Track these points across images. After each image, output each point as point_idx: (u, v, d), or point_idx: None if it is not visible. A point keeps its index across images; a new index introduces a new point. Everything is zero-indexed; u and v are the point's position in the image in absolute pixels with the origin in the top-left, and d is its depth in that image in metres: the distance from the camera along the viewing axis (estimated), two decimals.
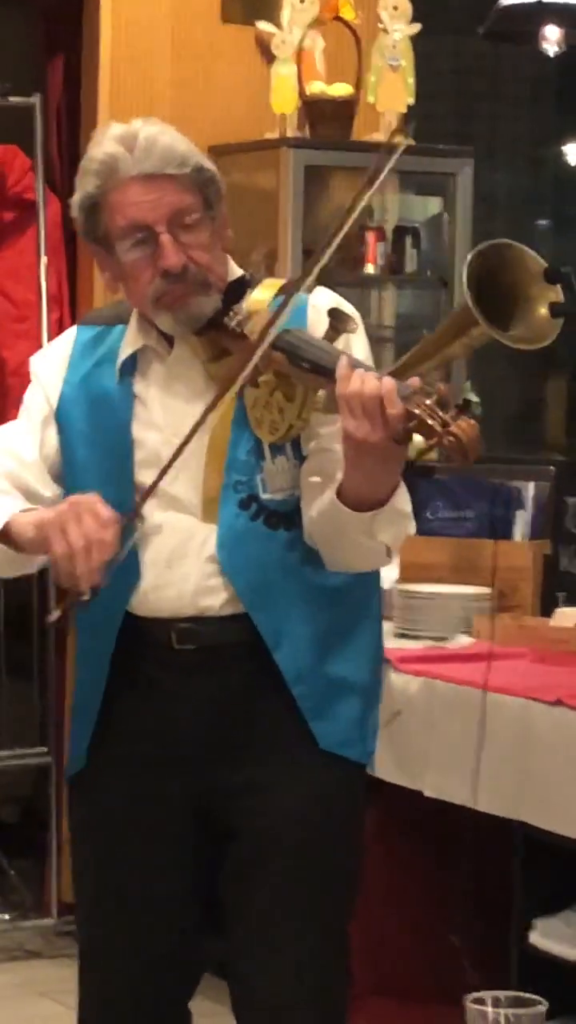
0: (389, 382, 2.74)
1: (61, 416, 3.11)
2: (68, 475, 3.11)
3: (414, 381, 2.76)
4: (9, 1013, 5.22)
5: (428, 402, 2.74)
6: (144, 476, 3.01)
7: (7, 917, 5.83)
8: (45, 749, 5.90)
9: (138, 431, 3.05)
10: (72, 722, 3.22)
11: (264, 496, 3.02)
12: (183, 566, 3.02)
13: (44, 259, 5.91)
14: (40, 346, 5.84)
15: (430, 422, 2.72)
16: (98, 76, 6.11)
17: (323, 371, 2.84)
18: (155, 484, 2.91)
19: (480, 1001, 1.69)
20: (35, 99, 5.97)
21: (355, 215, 2.91)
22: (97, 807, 3.15)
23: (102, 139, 3.02)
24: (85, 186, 3.02)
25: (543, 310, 2.79)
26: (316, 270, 2.90)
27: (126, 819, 3.11)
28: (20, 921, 5.82)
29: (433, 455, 2.82)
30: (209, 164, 3.05)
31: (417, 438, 2.76)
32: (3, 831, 5.97)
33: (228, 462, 3.00)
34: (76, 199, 3.05)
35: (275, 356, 2.88)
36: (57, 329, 5.84)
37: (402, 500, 2.95)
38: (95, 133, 3.10)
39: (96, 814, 3.16)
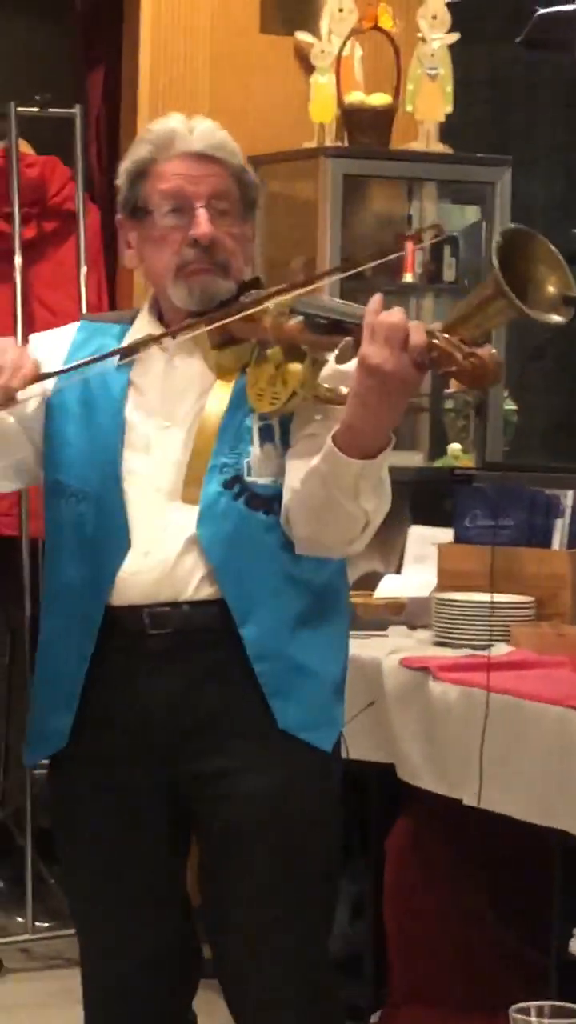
0: (415, 322, 2.80)
1: (55, 394, 3.15)
2: (53, 451, 3.15)
3: (436, 324, 2.82)
4: (50, 1018, 5.21)
5: (446, 336, 2.80)
6: (130, 459, 3.07)
7: (47, 925, 5.82)
8: None
9: (131, 414, 3.10)
10: (36, 706, 3.24)
11: (248, 478, 3.04)
12: (162, 551, 3.05)
13: (84, 268, 5.91)
14: None
15: (451, 350, 2.78)
16: (137, 88, 6.12)
17: (342, 326, 2.89)
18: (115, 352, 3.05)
19: (524, 1011, 1.68)
20: (75, 110, 5.97)
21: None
22: (75, 790, 3.18)
23: (165, 119, 3.13)
24: (139, 151, 3.10)
25: (553, 289, 2.82)
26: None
27: (106, 807, 3.12)
28: (60, 929, 5.80)
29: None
30: (252, 170, 3.15)
31: None
32: (42, 839, 5.96)
33: (217, 446, 3.03)
34: (126, 164, 3.12)
35: (290, 324, 2.92)
36: None
37: (386, 471, 2.97)
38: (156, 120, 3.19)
39: (76, 799, 3.18)
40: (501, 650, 4.80)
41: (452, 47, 6.25)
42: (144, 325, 3.15)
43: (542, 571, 4.98)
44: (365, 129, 6.18)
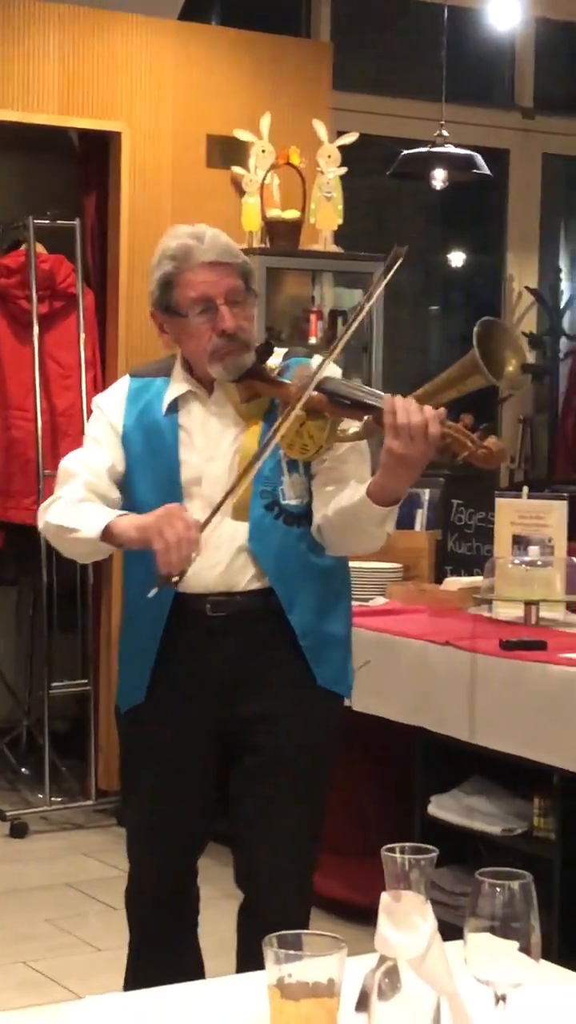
0: (430, 410, 2.68)
1: (125, 442, 3.01)
2: (130, 490, 3.01)
3: (442, 411, 2.70)
4: (62, 865, 5.22)
5: (457, 425, 2.70)
6: (187, 487, 2.94)
7: (60, 800, 5.82)
8: (86, 681, 5.89)
9: (184, 454, 2.97)
10: (125, 669, 3.11)
11: (283, 502, 2.94)
12: (218, 554, 2.93)
13: (83, 335, 5.90)
14: (81, 397, 5.86)
15: (463, 439, 2.68)
16: (120, 207, 6.11)
17: (363, 407, 2.78)
18: (222, 503, 2.80)
19: (392, 850, 1.69)
20: (76, 222, 5.96)
21: (370, 303, 2.97)
22: (150, 731, 3.06)
23: (176, 234, 2.96)
24: (164, 267, 2.93)
25: (512, 368, 2.71)
26: (341, 344, 2.87)
27: (171, 740, 3.03)
28: (69, 803, 5.81)
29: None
30: (248, 261, 2.99)
31: None
32: (57, 739, 5.94)
33: (256, 476, 2.87)
34: (155, 277, 2.95)
35: (316, 396, 2.79)
36: (92, 384, 5.84)
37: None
38: (166, 233, 3.00)
39: (147, 735, 3.06)
40: (379, 601, 4.83)
41: (343, 177, 6.27)
42: (180, 379, 3.00)
43: (408, 545, 5.01)
44: (281, 235, 6.20)
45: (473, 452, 2.66)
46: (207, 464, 2.95)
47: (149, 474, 2.98)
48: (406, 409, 2.67)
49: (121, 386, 3.09)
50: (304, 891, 3.08)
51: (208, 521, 2.78)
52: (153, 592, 2.78)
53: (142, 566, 2.92)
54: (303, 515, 2.95)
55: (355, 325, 2.85)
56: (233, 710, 3.00)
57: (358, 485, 2.84)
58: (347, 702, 3.14)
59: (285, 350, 3.06)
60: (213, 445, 2.95)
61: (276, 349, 3.00)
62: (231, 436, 2.95)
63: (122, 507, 2.97)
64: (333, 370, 2.91)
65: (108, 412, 3.05)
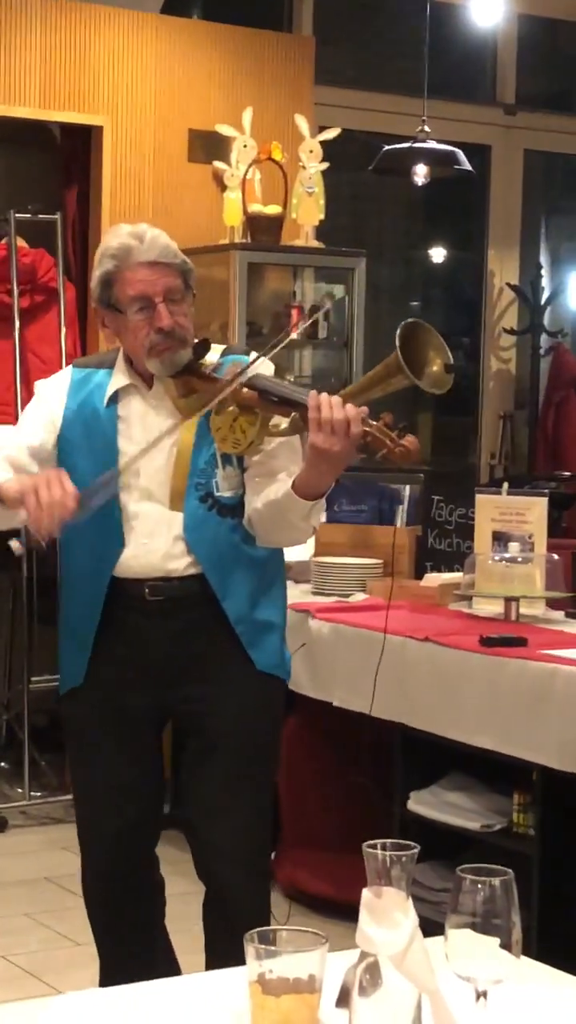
0: (352, 409, 2.76)
1: (64, 430, 3.07)
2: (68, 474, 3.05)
3: (364, 410, 2.78)
4: (41, 860, 5.21)
5: (377, 423, 2.78)
6: (127, 479, 3.01)
7: (39, 794, 5.81)
8: None
9: (122, 443, 3.04)
10: (64, 652, 3.18)
11: (217, 493, 3.02)
12: (155, 541, 3.02)
13: (64, 329, 5.89)
14: None
15: (382, 438, 2.77)
16: (101, 201, 6.12)
17: (290, 403, 2.85)
18: (111, 476, 2.91)
19: (373, 846, 1.69)
20: (57, 216, 5.95)
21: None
22: (88, 714, 3.13)
23: (118, 233, 3.03)
24: (104, 266, 3.01)
25: (437, 368, 2.79)
26: (272, 351, 2.96)
27: (112, 720, 3.10)
28: (48, 797, 5.80)
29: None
30: (189, 260, 3.06)
31: None
32: (37, 733, 5.93)
33: (191, 469, 3.01)
34: (97, 274, 3.03)
35: (246, 393, 2.87)
36: None
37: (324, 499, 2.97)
38: (108, 231, 3.09)
39: (88, 718, 3.13)
40: (359, 597, 4.83)
41: (324, 172, 6.27)
42: (122, 372, 3.07)
43: (388, 542, 5.00)
44: (263, 230, 6.20)
45: (391, 450, 2.77)
46: (144, 455, 3.01)
47: (88, 463, 3.04)
48: (329, 405, 2.76)
49: (64, 376, 3.17)
50: (259, 874, 3.13)
51: (92, 491, 2.85)
52: (17, 547, 2.89)
53: (76, 548, 3.07)
54: (237, 507, 3.03)
55: (289, 337, 2.94)
56: (173, 694, 3.06)
57: (287, 479, 2.92)
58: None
59: (223, 347, 3.14)
60: (151, 436, 3.01)
61: (214, 346, 3.08)
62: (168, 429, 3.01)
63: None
64: (266, 367, 3.00)
65: (48, 398, 3.13)
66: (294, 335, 3.10)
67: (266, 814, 3.17)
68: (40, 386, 3.20)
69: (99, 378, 3.11)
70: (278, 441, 2.94)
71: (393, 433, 2.78)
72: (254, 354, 3.00)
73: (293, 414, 2.84)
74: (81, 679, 3.12)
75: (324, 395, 2.79)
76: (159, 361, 2.99)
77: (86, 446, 3.04)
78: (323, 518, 3.03)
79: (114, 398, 3.07)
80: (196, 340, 3.03)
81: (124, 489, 3.02)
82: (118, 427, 3.05)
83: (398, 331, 2.73)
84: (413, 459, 2.80)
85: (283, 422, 2.88)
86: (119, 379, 3.08)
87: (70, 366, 3.22)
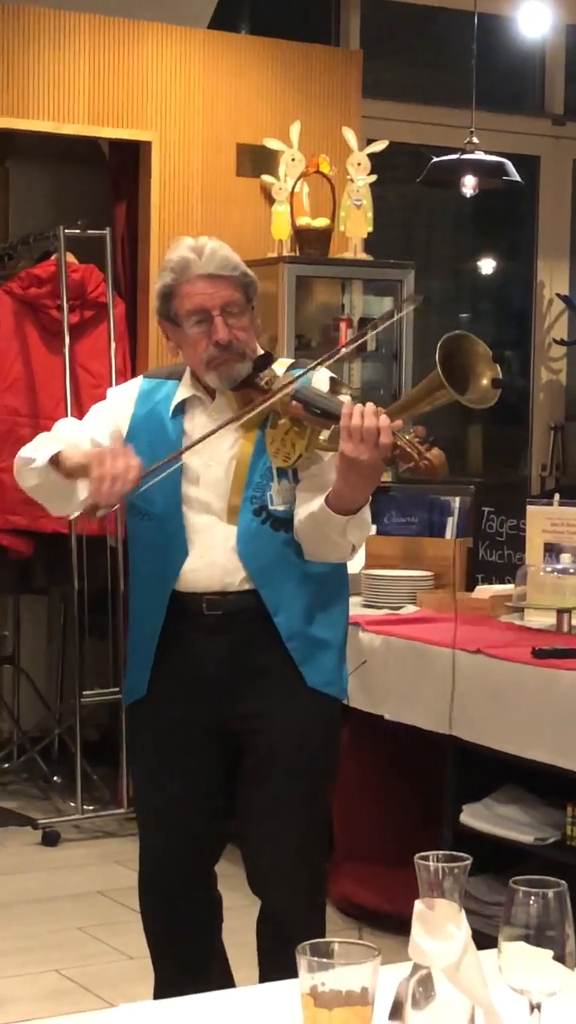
0: (384, 419, 2.78)
1: (130, 438, 3.08)
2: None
3: (398, 423, 2.79)
4: (94, 873, 5.22)
5: (408, 437, 2.80)
6: (187, 488, 3.03)
7: (92, 808, 5.82)
8: (117, 689, 5.88)
9: (185, 455, 3.04)
10: (129, 663, 3.20)
11: (271, 507, 3.02)
12: (212, 554, 3.02)
13: (113, 344, 5.92)
14: None
15: (410, 451, 2.78)
16: (150, 216, 6.15)
17: (330, 415, 2.86)
18: (183, 451, 2.96)
19: (425, 858, 1.69)
20: (106, 231, 5.97)
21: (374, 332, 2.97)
22: (151, 725, 3.14)
23: (179, 246, 3.05)
24: (164, 279, 3.04)
25: (486, 382, 2.80)
26: (330, 360, 2.99)
27: (172, 734, 3.11)
28: (101, 811, 5.81)
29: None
30: (250, 272, 3.07)
31: None
32: (89, 747, 5.96)
33: (247, 482, 3.01)
34: (157, 288, 3.06)
35: (293, 405, 2.89)
36: None
37: (367, 514, 2.97)
38: (172, 244, 3.10)
39: (151, 729, 3.14)
40: (410, 610, 4.82)
41: (372, 185, 6.28)
42: (187, 384, 3.09)
43: (438, 554, 5.00)
44: (311, 243, 6.21)
45: (416, 463, 2.79)
46: (205, 468, 3.04)
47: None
48: (361, 413, 2.77)
49: (133, 385, 3.20)
50: (313, 892, 3.12)
51: (153, 471, 2.90)
52: (75, 514, 2.97)
53: (141, 561, 3.10)
54: (290, 520, 3.02)
55: (354, 345, 2.94)
56: (229, 708, 3.06)
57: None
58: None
59: (290, 361, 3.12)
60: (211, 449, 3.02)
61: (280, 360, 3.07)
62: (230, 442, 3.03)
63: (126, 501, 3.05)
64: (321, 381, 3.00)
65: (116, 404, 3.17)
66: (380, 329, 3.09)
67: (320, 835, 3.15)
68: (111, 392, 3.25)
69: (167, 389, 3.12)
70: (330, 456, 2.93)
71: (422, 447, 2.80)
72: (325, 371, 3.01)
73: (334, 426, 2.84)
74: (144, 691, 3.12)
75: (359, 405, 2.80)
76: (217, 375, 3.01)
77: (151, 455, 3.04)
78: (365, 534, 3.01)
79: (180, 409, 3.08)
80: (260, 353, 3.03)
81: (185, 502, 3.03)
82: (182, 439, 3.06)
83: (439, 346, 2.74)
84: (438, 473, 2.83)
85: (327, 434, 2.89)
86: (184, 391, 3.09)
87: (140, 376, 3.25)
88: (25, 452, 3.04)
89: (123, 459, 2.84)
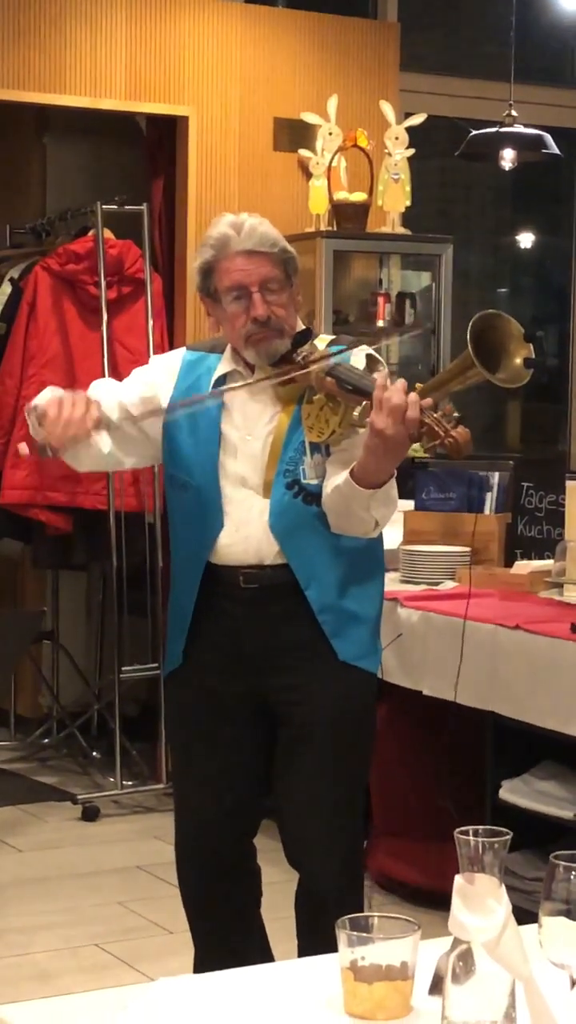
0: (413, 396, 2.80)
1: (169, 410, 3.10)
2: (175, 451, 3.11)
3: (427, 401, 2.80)
4: (133, 848, 5.25)
5: (436, 415, 2.81)
6: (224, 459, 3.05)
7: (131, 783, 5.85)
8: (156, 665, 5.90)
9: (224, 427, 3.06)
10: (168, 636, 3.22)
11: (304, 481, 3.02)
12: (248, 528, 3.04)
13: (151, 320, 5.92)
14: None
15: (436, 428, 2.79)
16: (187, 191, 6.13)
17: (361, 392, 2.87)
18: (212, 394, 3.03)
19: (465, 832, 1.69)
20: (143, 207, 5.96)
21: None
22: (188, 695, 3.16)
23: (219, 223, 3.05)
24: (204, 255, 3.05)
25: (519, 361, 2.81)
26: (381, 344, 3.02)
27: (208, 705, 3.12)
28: (140, 786, 5.84)
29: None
30: (291, 248, 3.08)
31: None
32: (128, 723, 5.98)
33: (281, 456, 3.02)
34: (197, 264, 3.07)
35: (327, 380, 2.91)
36: None
37: (393, 490, 2.98)
38: (213, 220, 3.10)
39: (188, 700, 3.16)
40: (448, 586, 4.81)
41: (410, 159, 6.25)
42: (228, 358, 3.10)
43: (477, 529, 4.97)
44: (349, 218, 6.19)
45: (443, 440, 2.80)
46: (243, 442, 3.05)
47: (192, 444, 3.08)
48: (392, 387, 2.79)
49: (176, 357, 3.21)
50: (351, 863, 3.12)
51: (183, 404, 2.99)
52: (23, 452, 3.02)
53: (180, 533, 3.13)
54: (321, 495, 3.03)
55: (389, 341, 2.96)
56: (264, 681, 3.08)
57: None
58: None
59: (331, 338, 3.12)
60: (250, 424, 3.05)
61: (322, 336, 3.08)
62: (268, 416, 3.05)
63: (164, 476, 3.14)
64: (357, 358, 3.00)
65: (157, 375, 3.18)
66: (383, 344, 3.10)
67: (356, 807, 3.16)
68: (154, 360, 3.27)
69: (210, 362, 3.14)
70: (363, 432, 2.93)
71: (448, 425, 2.80)
72: (363, 347, 3.02)
73: (365, 402, 2.86)
74: (179, 660, 3.14)
75: (391, 380, 2.82)
76: (256, 351, 3.02)
77: (190, 427, 3.07)
78: (390, 512, 3.01)
79: (220, 382, 3.09)
80: (300, 328, 3.04)
81: (222, 475, 3.05)
82: (222, 412, 3.07)
83: (470, 325, 2.75)
84: (462, 451, 2.83)
85: (359, 411, 2.90)
86: (225, 365, 3.11)
87: (183, 347, 3.27)
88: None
89: (82, 407, 2.90)
